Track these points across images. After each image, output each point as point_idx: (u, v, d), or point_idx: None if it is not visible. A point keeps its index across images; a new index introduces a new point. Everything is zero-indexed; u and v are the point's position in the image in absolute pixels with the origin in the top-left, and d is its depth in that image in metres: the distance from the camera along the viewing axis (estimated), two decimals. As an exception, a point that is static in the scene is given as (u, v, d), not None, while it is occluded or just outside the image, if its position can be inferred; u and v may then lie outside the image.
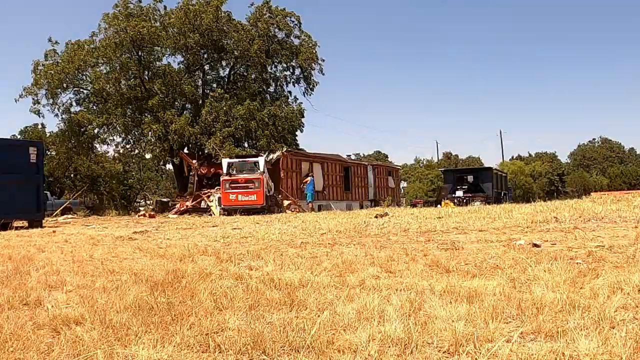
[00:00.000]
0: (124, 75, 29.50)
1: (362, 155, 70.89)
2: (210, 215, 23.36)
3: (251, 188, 20.72)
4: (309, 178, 26.24)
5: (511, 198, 36.87)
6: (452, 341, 2.74)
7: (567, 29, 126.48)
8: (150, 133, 28.05)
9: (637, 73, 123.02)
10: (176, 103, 30.46)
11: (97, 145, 32.35)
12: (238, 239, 8.78)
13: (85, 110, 30.41)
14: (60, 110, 30.36)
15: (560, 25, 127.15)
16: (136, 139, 31.05)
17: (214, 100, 28.32)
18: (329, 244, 7.37)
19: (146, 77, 29.75)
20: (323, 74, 33.79)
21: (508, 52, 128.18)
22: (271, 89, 33.45)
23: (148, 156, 34.44)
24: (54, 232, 12.33)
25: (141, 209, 33.98)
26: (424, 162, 75.10)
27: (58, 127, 31.92)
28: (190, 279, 4.69)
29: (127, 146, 31.93)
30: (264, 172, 21.38)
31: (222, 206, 21.24)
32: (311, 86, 33.30)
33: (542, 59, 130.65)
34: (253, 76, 31.70)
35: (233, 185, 21.17)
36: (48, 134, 38.90)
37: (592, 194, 33.37)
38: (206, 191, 26.87)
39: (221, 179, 22.03)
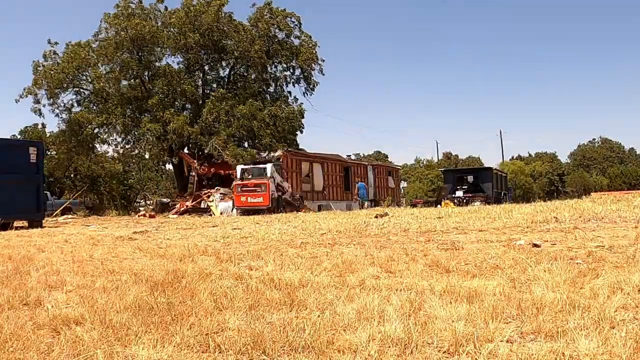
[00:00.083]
0: (124, 75, 29.48)
1: (362, 155, 70.71)
2: (210, 215, 23.47)
3: (258, 191, 23.00)
4: (358, 185, 29.93)
5: (511, 198, 36.85)
6: (452, 341, 2.74)
7: (567, 29, 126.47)
8: (148, 132, 28.02)
9: (637, 73, 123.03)
10: (176, 103, 30.43)
11: (97, 145, 32.33)
12: (238, 239, 8.78)
13: (85, 110, 30.37)
14: (60, 110, 30.40)
15: (560, 25, 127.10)
16: (136, 138, 31.00)
17: (215, 100, 28.29)
18: (329, 244, 7.37)
19: (146, 77, 29.73)
20: (323, 74, 33.89)
21: (508, 52, 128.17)
22: (271, 89, 33.53)
23: (148, 156, 34.40)
24: (54, 229, 12.31)
25: (141, 209, 33.97)
26: (424, 162, 75.03)
27: (58, 127, 31.97)
28: (190, 279, 4.69)
29: (127, 146, 31.88)
30: (271, 177, 23.35)
31: (236, 207, 23.76)
32: (311, 86, 33.36)
33: (542, 59, 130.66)
34: (253, 76, 31.71)
35: (244, 188, 23.42)
36: (48, 134, 38.87)
37: (592, 194, 33.42)
38: (206, 191, 26.93)
39: (234, 183, 24.46)
